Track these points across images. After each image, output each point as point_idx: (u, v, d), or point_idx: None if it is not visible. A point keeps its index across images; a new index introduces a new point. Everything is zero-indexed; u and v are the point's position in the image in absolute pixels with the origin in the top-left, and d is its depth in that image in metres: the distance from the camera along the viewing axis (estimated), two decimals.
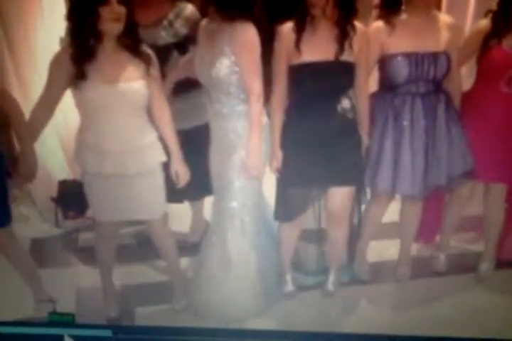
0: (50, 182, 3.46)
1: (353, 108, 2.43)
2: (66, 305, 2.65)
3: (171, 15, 2.70)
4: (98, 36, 2.16)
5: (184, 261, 2.88)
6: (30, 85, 3.34)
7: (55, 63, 2.22)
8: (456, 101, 2.63)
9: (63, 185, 3.46)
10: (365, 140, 2.52)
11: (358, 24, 2.35)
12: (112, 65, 2.21)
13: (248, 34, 2.25)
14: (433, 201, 2.85)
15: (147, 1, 2.66)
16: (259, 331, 2.39)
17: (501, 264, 2.95)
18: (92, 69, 2.18)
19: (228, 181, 2.47)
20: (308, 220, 2.73)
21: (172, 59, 2.68)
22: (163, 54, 2.58)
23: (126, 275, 2.92)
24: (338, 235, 2.66)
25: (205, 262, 2.60)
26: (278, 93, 2.43)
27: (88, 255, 2.95)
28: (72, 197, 3.36)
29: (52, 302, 2.63)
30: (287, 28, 2.35)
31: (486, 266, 2.90)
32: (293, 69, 2.37)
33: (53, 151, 3.54)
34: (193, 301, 2.65)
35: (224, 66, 2.29)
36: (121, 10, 2.12)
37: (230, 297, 2.56)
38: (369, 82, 2.51)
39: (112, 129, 2.26)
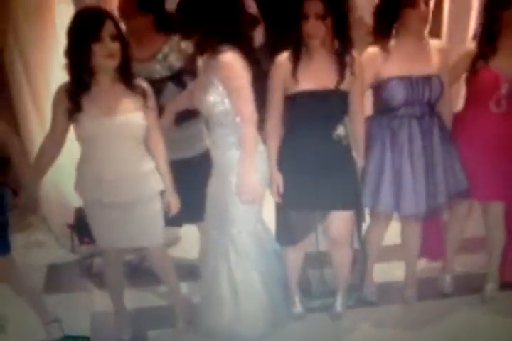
0: (66, 209, 3.51)
1: (347, 135, 2.47)
2: (81, 329, 2.70)
3: (165, 49, 2.74)
4: (92, 71, 2.19)
5: (191, 285, 2.94)
6: (47, 112, 3.43)
7: (56, 98, 2.27)
8: (448, 122, 2.67)
9: (80, 212, 3.51)
10: (359, 163, 2.56)
11: (354, 52, 2.40)
12: (109, 98, 2.25)
13: (230, 61, 2.27)
14: (433, 218, 2.85)
15: (142, 37, 2.71)
16: None
17: (506, 285, 2.96)
18: (89, 103, 2.22)
19: (226, 206, 2.49)
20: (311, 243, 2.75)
21: (167, 91, 2.72)
22: (159, 86, 2.63)
23: (139, 298, 2.96)
24: (342, 259, 2.69)
25: (213, 286, 2.61)
26: (273, 120, 2.46)
27: (102, 280, 2.96)
28: (87, 224, 3.42)
29: (57, 322, 2.67)
30: (283, 57, 2.39)
31: (491, 286, 2.91)
32: (289, 97, 2.40)
33: (70, 179, 3.62)
34: (204, 323, 2.68)
35: (213, 97, 2.32)
36: (115, 46, 2.16)
37: (239, 318, 2.59)
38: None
39: (111, 160, 2.30)
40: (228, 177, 2.45)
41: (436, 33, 4.14)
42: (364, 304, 2.92)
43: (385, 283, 3.05)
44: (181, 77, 2.76)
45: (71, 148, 2.43)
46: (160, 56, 2.74)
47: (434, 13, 4.07)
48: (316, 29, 2.28)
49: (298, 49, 2.37)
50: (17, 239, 3.64)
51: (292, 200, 2.50)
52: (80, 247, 3.51)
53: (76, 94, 2.21)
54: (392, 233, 2.88)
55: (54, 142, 2.34)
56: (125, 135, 2.29)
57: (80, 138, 2.30)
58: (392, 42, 2.52)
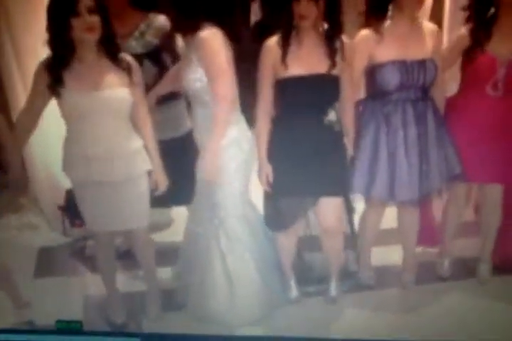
0: (57, 191, 3.48)
1: (339, 120, 2.45)
2: (74, 312, 2.69)
3: (142, 27, 2.74)
4: (73, 46, 2.17)
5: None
6: None
7: (37, 73, 2.24)
8: (441, 106, 2.65)
9: (70, 193, 3.48)
10: (350, 150, 2.54)
11: (343, 37, 2.36)
12: (93, 73, 2.23)
13: (208, 38, 2.27)
14: (425, 205, 2.84)
15: (119, 13, 2.65)
16: (264, 337, 2.44)
17: (500, 269, 2.97)
18: (73, 78, 2.20)
19: (213, 189, 2.49)
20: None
21: (143, 69, 2.65)
22: None
23: (132, 282, 2.95)
24: (334, 244, 2.67)
25: (206, 271, 2.61)
26: (263, 106, 2.44)
27: (94, 263, 2.95)
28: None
29: (29, 307, 2.67)
30: (273, 42, 2.35)
31: (483, 267, 2.93)
32: (279, 83, 2.38)
33: (60, 160, 3.59)
34: (199, 309, 2.66)
35: (193, 74, 2.33)
36: (94, 19, 2.13)
37: (234, 303, 2.59)
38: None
39: (97, 136, 2.27)
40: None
41: (437, 17, 4.10)
42: (361, 288, 2.91)
43: (382, 266, 3.03)
44: (158, 54, 2.77)
45: (62, 128, 2.37)
46: (137, 33, 2.74)
47: None
48: (308, 10, 2.23)
49: (288, 32, 2.32)
50: (9, 220, 3.63)
51: (282, 186, 2.49)
52: (72, 230, 3.49)
53: (56, 69, 2.19)
54: (390, 216, 2.85)
55: (30, 116, 2.32)
56: (110, 110, 2.26)
57: (64, 114, 2.28)
58: (386, 25, 2.47)
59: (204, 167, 2.40)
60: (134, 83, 2.29)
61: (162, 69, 2.76)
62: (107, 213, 2.41)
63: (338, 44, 2.34)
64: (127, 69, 2.27)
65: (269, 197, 2.55)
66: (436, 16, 4.11)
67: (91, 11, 2.12)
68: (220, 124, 2.35)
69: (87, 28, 2.12)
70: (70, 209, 3.42)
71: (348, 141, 2.54)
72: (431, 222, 2.97)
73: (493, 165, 2.67)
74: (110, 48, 2.24)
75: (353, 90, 2.49)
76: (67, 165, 2.37)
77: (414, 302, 2.80)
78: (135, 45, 2.72)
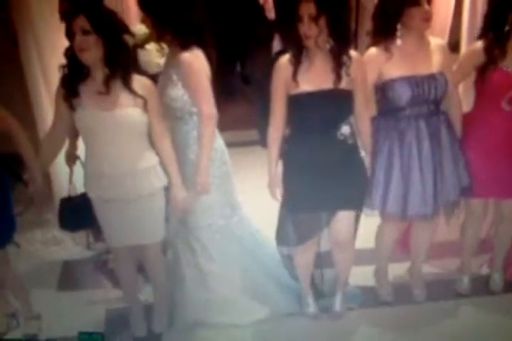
0: None
1: (353, 134, 2.46)
2: (96, 325, 2.74)
3: None
4: (81, 64, 2.21)
5: None
6: None
7: (57, 94, 2.31)
8: (458, 119, 2.66)
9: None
10: (367, 163, 2.55)
11: (352, 52, 2.39)
12: (106, 92, 2.23)
13: (192, 61, 2.37)
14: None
15: None
16: None
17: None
18: (86, 95, 2.24)
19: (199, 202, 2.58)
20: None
21: None
22: None
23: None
24: (345, 260, 2.69)
25: (183, 279, 2.72)
26: (275, 123, 2.50)
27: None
28: None
29: (38, 320, 2.73)
30: (284, 60, 2.40)
31: (496, 276, 2.98)
32: (291, 99, 2.41)
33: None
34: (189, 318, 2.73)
35: (173, 92, 2.44)
36: (85, 40, 2.14)
37: (210, 307, 2.72)
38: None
39: (109, 155, 2.30)
40: (191, 176, 2.51)
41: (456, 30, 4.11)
42: (380, 304, 2.91)
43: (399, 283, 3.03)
44: None
45: None
46: None
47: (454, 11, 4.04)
48: (310, 30, 2.28)
49: (297, 51, 2.37)
50: (34, 235, 3.70)
51: (299, 202, 2.51)
52: (96, 244, 3.48)
53: (70, 82, 2.25)
54: None
55: (53, 138, 2.39)
56: (122, 130, 2.28)
57: (81, 133, 2.34)
58: (395, 43, 2.49)
59: (198, 181, 2.47)
60: (148, 105, 2.28)
61: None
62: (121, 228, 2.44)
63: (344, 59, 2.34)
64: (138, 95, 2.25)
65: (285, 214, 2.57)
66: (455, 33, 4.15)
67: (85, 32, 2.14)
68: (208, 144, 2.45)
69: (78, 49, 2.16)
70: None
71: (366, 154, 2.56)
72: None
73: (509, 180, 2.68)
74: (115, 69, 2.22)
75: (367, 104, 2.50)
76: (86, 182, 2.43)
77: (426, 319, 2.80)
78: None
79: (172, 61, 2.46)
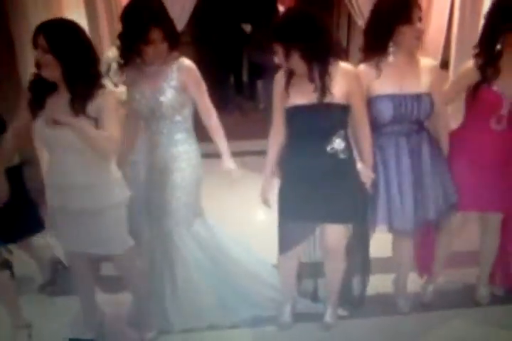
0: None
1: (348, 148, 2.46)
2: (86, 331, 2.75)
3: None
4: (45, 82, 2.25)
5: None
6: None
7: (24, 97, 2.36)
8: (445, 139, 2.71)
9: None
10: (370, 175, 2.55)
11: (347, 66, 2.41)
12: (56, 109, 2.25)
13: (193, 66, 2.61)
14: (427, 234, 2.93)
15: None
16: None
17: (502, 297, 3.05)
18: (42, 113, 2.27)
19: (165, 204, 2.70)
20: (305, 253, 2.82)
21: None
22: None
23: None
24: (334, 270, 2.73)
25: (155, 284, 2.81)
26: (274, 132, 2.60)
27: (109, 283, 3.08)
28: None
29: (28, 328, 2.73)
30: (280, 74, 2.49)
31: (483, 289, 3.03)
32: (285, 111, 2.48)
33: None
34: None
35: (164, 98, 2.58)
36: (43, 58, 2.17)
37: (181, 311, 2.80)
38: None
39: (58, 169, 2.34)
40: (171, 172, 2.68)
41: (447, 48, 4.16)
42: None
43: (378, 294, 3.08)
44: None
45: None
46: None
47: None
48: (285, 62, 2.39)
49: (288, 70, 2.45)
50: (27, 241, 3.72)
51: (288, 211, 2.56)
52: None
53: (32, 107, 2.31)
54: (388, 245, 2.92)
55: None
56: (73, 146, 2.25)
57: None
58: (385, 60, 2.53)
59: (232, 167, 2.70)
60: (99, 123, 2.24)
61: None
62: (78, 237, 2.45)
63: (325, 78, 2.35)
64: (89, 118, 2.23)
65: (279, 222, 2.63)
66: (447, 51, 4.24)
67: (44, 51, 2.16)
68: (221, 131, 2.71)
69: (37, 65, 2.22)
70: None
71: (367, 167, 2.55)
72: (429, 252, 3.02)
73: (494, 194, 2.73)
74: (75, 90, 2.22)
75: (365, 117, 2.49)
76: (46, 191, 2.45)
77: (411, 330, 2.86)
78: None
79: (161, 73, 2.60)
